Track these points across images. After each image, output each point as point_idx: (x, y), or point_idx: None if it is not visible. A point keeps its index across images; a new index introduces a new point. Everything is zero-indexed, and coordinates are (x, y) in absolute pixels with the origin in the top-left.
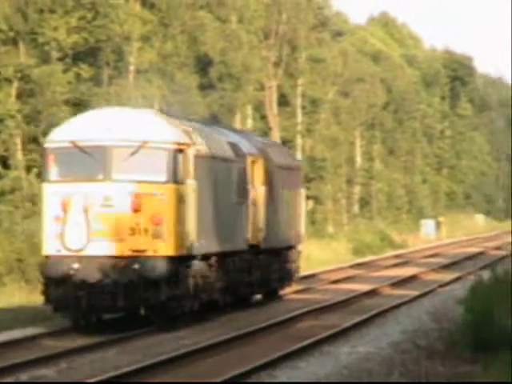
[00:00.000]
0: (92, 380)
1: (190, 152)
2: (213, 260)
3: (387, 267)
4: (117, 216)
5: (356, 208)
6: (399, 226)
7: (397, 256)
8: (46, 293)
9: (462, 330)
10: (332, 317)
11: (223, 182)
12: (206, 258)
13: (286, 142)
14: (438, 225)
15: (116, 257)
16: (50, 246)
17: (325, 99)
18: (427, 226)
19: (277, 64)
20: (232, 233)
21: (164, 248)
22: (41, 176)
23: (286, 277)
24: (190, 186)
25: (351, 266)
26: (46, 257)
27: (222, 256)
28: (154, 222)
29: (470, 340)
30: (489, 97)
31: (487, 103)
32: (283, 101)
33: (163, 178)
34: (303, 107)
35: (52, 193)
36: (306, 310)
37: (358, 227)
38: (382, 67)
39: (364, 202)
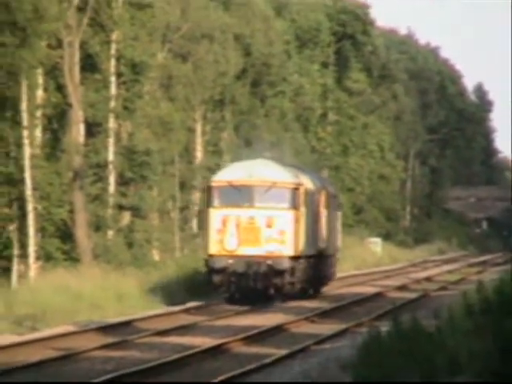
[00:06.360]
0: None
1: (301, 188)
2: (306, 259)
3: (239, 313)
4: (257, 229)
5: (194, 225)
6: None
7: None
8: (209, 278)
9: None
10: None
11: (313, 207)
12: (304, 257)
13: (94, 125)
14: None
15: (256, 256)
16: (213, 248)
17: (151, 63)
18: None
19: (81, 9)
20: (314, 241)
21: (287, 250)
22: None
23: (330, 276)
24: (302, 211)
25: (186, 310)
26: (210, 255)
27: (308, 257)
28: (281, 234)
29: None
30: (393, 64)
31: (391, 74)
32: (90, 64)
33: (287, 205)
34: (119, 74)
35: (215, 214)
36: (117, 374)
37: (196, 253)
38: (236, 18)
39: None
